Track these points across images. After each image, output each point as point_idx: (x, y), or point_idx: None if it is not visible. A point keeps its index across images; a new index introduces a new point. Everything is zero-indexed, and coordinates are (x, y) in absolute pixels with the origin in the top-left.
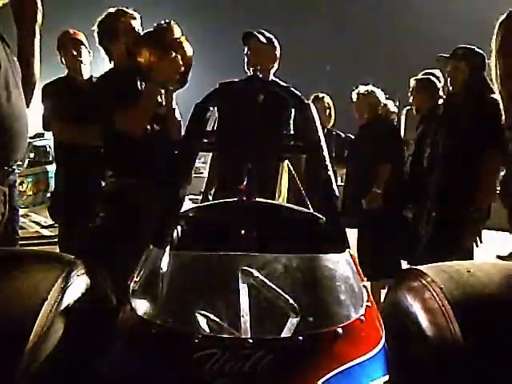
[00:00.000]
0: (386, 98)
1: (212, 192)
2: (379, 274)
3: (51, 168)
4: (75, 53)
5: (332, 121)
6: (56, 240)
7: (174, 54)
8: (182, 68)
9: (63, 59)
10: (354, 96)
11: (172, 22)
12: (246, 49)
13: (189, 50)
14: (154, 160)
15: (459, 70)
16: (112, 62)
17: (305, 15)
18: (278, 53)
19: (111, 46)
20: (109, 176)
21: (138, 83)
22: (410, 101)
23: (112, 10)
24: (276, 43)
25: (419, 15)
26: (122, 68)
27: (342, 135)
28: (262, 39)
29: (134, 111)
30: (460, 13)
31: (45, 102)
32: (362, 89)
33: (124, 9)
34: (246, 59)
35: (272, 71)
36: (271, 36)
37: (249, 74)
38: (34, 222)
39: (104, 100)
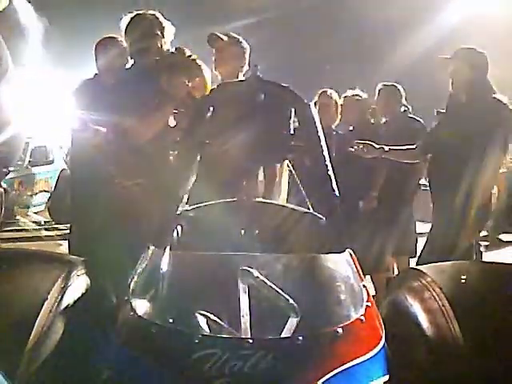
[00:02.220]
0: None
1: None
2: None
3: (51, 168)
4: (116, 58)
5: (338, 119)
6: (56, 240)
7: (185, 78)
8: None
9: (102, 62)
10: (342, 100)
11: (180, 46)
12: (213, 51)
13: (203, 66)
14: (155, 160)
15: (460, 71)
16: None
17: (305, 15)
18: (246, 52)
19: (149, 42)
20: (113, 176)
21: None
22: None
23: (152, 11)
24: (243, 43)
25: (417, 17)
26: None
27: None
28: (226, 39)
29: (145, 121)
30: (460, 15)
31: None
32: (350, 93)
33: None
34: (213, 61)
35: (242, 71)
36: (237, 36)
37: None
38: (34, 222)
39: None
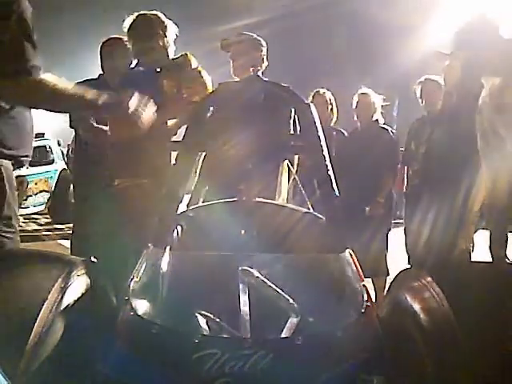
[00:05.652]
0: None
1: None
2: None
3: (51, 168)
4: (120, 58)
5: (334, 118)
6: (56, 240)
7: (188, 92)
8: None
9: (107, 62)
10: (356, 97)
11: (188, 53)
12: (229, 55)
13: (207, 80)
14: (154, 160)
15: (452, 69)
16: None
17: (305, 15)
18: (263, 52)
19: (152, 41)
20: (114, 177)
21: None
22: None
23: (154, 12)
24: (261, 43)
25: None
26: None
27: (345, 133)
28: (242, 44)
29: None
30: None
31: None
32: (365, 91)
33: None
34: (231, 64)
35: (259, 71)
36: (253, 36)
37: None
38: (34, 222)
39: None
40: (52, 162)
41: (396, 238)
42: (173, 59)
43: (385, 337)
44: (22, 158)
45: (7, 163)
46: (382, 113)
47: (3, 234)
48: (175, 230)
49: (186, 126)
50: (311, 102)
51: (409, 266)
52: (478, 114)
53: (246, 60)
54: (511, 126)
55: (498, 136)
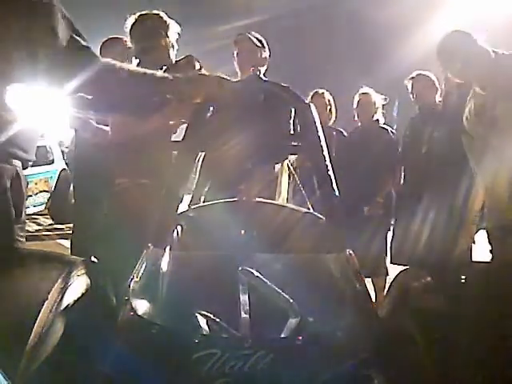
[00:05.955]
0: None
1: (204, 191)
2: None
3: (51, 168)
4: (121, 59)
5: (333, 118)
6: (56, 240)
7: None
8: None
9: None
10: (356, 98)
11: (190, 55)
12: (236, 51)
13: None
14: (154, 160)
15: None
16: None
17: (305, 15)
18: (267, 54)
19: (154, 41)
20: (114, 177)
21: None
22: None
23: (156, 11)
24: (264, 43)
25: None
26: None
27: (345, 133)
28: (256, 41)
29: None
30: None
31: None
32: (363, 91)
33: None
34: (237, 61)
35: (260, 72)
36: (261, 38)
37: (246, 75)
38: (34, 222)
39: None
40: (52, 162)
41: None
42: (176, 61)
43: (385, 337)
44: (29, 162)
45: (20, 165)
46: (383, 113)
47: (18, 237)
48: (175, 230)
49: (186, 125)
50: (310, 102)
51: (392, 265)
52: (463, 133)
53: (249, 59)
54: (504, 136)
55: (491, 148)
